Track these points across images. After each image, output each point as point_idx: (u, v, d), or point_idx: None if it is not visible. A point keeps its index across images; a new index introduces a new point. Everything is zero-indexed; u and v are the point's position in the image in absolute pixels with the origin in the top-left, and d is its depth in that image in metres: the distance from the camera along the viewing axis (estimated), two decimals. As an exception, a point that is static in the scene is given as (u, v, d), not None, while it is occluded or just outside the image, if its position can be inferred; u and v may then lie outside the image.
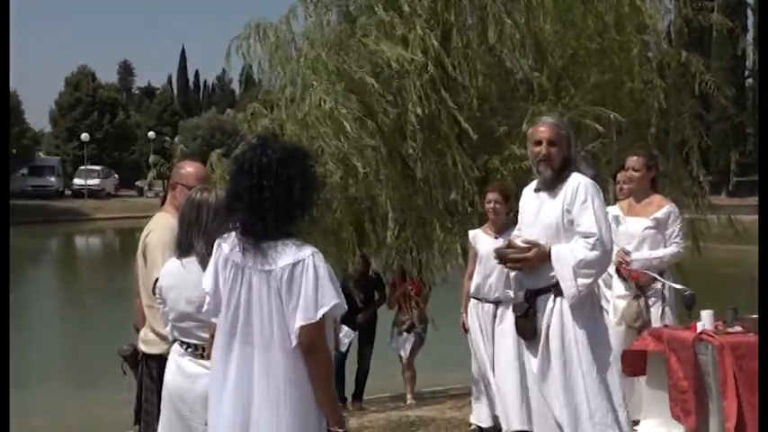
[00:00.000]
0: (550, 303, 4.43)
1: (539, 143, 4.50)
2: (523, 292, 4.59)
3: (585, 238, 4.34)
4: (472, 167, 7.30)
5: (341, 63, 7.15)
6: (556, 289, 4.42)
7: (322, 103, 7.10)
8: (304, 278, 3.10)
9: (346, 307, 3.23)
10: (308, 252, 3.15)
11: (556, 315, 4.41)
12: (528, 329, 4.50)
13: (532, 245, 4.46)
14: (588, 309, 4.44)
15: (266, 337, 3.16)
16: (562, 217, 4.41)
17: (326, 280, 3.13)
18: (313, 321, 3.09)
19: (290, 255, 3.13)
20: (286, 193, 3.12)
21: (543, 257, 4.40)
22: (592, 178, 4.50)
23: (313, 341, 3.11)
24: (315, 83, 7.27)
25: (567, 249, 4.37)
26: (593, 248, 4.33)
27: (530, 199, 4.65)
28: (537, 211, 4.55)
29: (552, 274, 4.42)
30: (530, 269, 4.49)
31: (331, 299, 3.12)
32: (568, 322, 4.37)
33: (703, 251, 8.60)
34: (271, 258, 3.14)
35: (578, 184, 4.41)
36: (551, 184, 4.49)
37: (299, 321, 3.09)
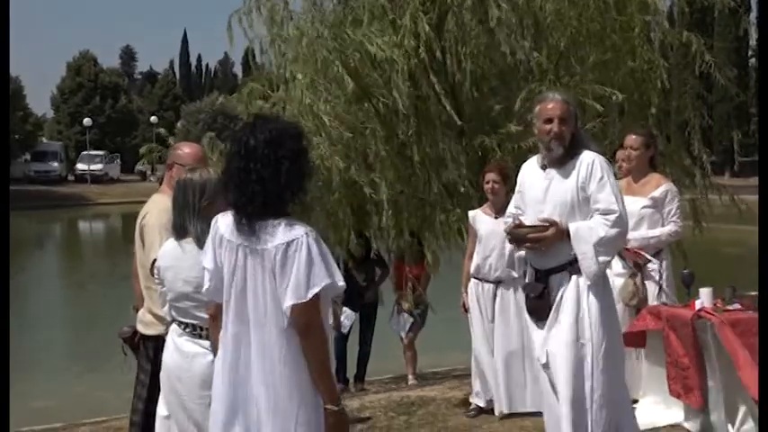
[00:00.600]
0: (565, 282, 4.37)
1: (549, 121, 4.42)
2: (533, 272, 4.53)
3: (605, 215, 4.30)
4: (466, 150, 7.29)
5: (335, 47, 7.13)
6: (572, 267, 4.37)
7: (304, 94, 7.11)
8: (297, 257, 3.10)
9: (342, 284, 3.21)
10: (301, 231, 3.14)
11: (570, 293, 4.35)
12: (543, 310, 4.43)
13: (550, 223, 4.39)
14: (601, 287, 4.41)
15: (260, 315, 3.17)
16: (577, 194, 4.35)
17: (319, 260, 3.13)
18: (303, 301, 3.09)
19: (283, 234, 3.13)
20: (273, 174, 3.12)
21: (561, 236, 4.34)
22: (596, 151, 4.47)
23: (307, 321, 3.12)
24: (300, 75, 7.26)
25: (586, 227, 4.32)
26: (613, 225, 4.29)
27: (536, 176, 4.55)
28: (546, 189, 4.47)
29: (566, 252, 4.36)
30: (546, 248, 4.41)
31: (323, 279, 3.12)
32: (584, 300, 4.33)
33: (706, 231, 8.60)
34: (264, 238, 3.14)
35: (592, 160, 4.35)
36: (561, 162, 4.42)
37: (289, 300, 3.10)
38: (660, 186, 6.12)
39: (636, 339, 5.85)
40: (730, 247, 20.88)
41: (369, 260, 8.53)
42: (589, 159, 4.36)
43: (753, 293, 5.33)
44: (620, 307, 6.12)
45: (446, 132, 7.11)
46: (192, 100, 72.39)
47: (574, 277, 4.37)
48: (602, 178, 4.31)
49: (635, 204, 6.12)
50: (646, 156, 6.17)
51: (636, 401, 6.15)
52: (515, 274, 6.38)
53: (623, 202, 4.39)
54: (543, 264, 4.44)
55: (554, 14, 7.62)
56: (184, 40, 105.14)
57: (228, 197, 3.22)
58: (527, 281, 4.62)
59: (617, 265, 6.19)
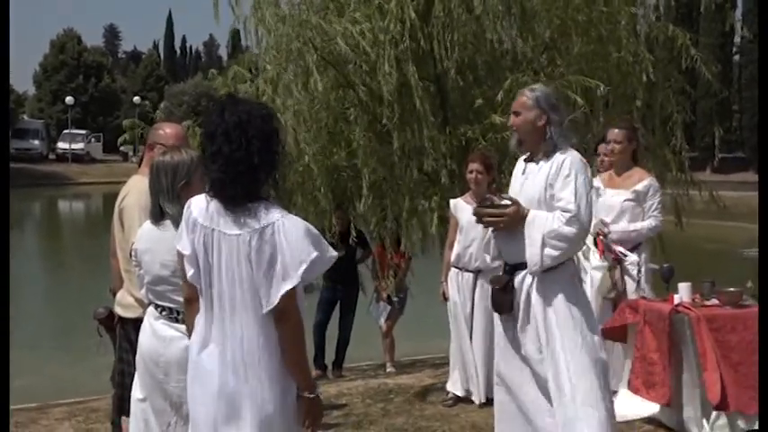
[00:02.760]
0: (529, 279, 4.31)
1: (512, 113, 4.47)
2: (502, 264, 4.50)
3: (564, 212, 4.24)
4: (449, 139, 7.26)
5: (318, 33, 7.06)
6: None
7: (282, 79, 7.06)
8: (278, 240, 3.06)
9: (333, 253, 3.16)
10: (276, 216, 3.09)
11: (537, 291, 4.29)
12: (505, 304, 4.37)
13: (513, 203, 4.36)
14: (570, 286, 4.32)
15: (237, 301, 3.13)
16: (545, 191, 4.32)
17: (301, 238, 3.07)
18: (296, 283, 3.05)
19: (260, 218, 3.08)
20: (246, 157, 3.06)
21: (521, 218, 4.29)
22: (572, 146, 4.40)
23: (285, 306, 3.08)
24: (278, 59, 7.21)
25: (543, 216, 4.27)
26: (567, 223, 4.21)
27: (519, 170, 4.57)
28: (522, 184, 4.48)
29: None
30: (506, 229, 4.36)
31: (308, 254, 3.06)
32: (549, 299, 4.26)
33: (685, 226, 8.62)
34: (238, 223, 3.09)
35: (563, 159, 4.29)
36: (538, 158, 4.39)
37: (281, 287, 3.04)
38: (643, 180, 6.14)
39: (616, 334, 5.87)
40: (709, 243, 21.00)
41: (348, 236, 8.34)
42: (561, 158, 4.31)
43: (731, 289, 5.36)
44: (598, 300, 6.17)
45: (429, 121, 7.07)
46: (176, 81, 71.97)
47: (541, 277, 4.28)
48: (567, 176, 4.25)
49: (617, 197, 6.14)
50: (628, 149, 6.19)
51: (614, 393, 6.19)
52: (495, 264, 6.40)
53: (588, 205, 4.28)
54: (513, 257, 4.38)
55: (541, 4, 7.60)
56: (169, 21, 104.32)
57: (207, 179, 3.18)
58: (493, 274, 4.62)
59: (595, 258, 6.22)
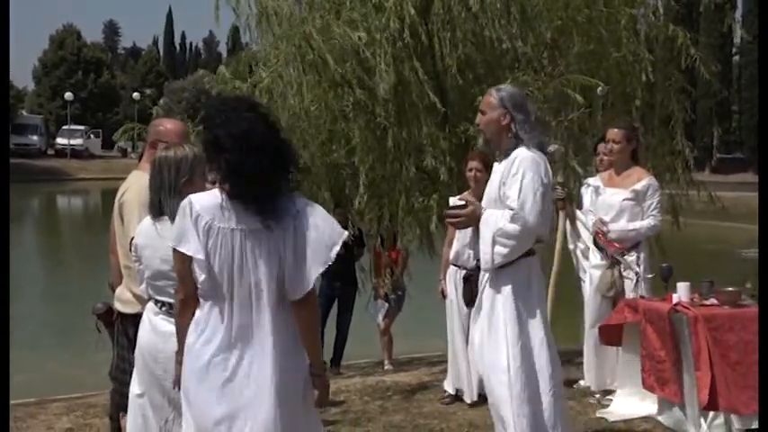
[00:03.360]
0: (486, 274, 4.44)
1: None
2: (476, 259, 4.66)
3: (510, 210, 4.32)
4: (449, 137, 7.27)
5: (318, 31, 7.05)
6: None
7: (283, 78, 7.07)
8: (308, 226, 3.14)
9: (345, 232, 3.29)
10: (303, 204, 3.21)
11: (487, 288, 4.42)
12: (467, 295, 4.70)
13: (470, 203, 4.55)
14: (522, 285, 4.39)
15: (261, 297, 3.16)
16: (499, 189, 4.43)
17: (328, 220, 3.21)
18: (330, 263, 3.17)
19: (289, 210, 3.15)
20: (280, 151, 3.16)
21: (476, 217, 4.42)
22: (538, 147, 4.43)
23: (313, 288, 3.20)
24: (277, 58, 7.21)
25: (494, 215, 4.37)
26: (512, 221, 4.30)
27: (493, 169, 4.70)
28: (490, 182, 4.63)
29: None
30: (465, 228, 4.62)
31: (339, 235, 3.19)
32: (497, 297, 4.37)
33: (684, 226, 8.63)
34: (268, 217, 3.13)
35: (516, 157, 4.36)
36: (501, 158, 4.49)
37: (316, 269, 3.14)
38: (642, 180, 6.14)
39: (612, 335, 5.88)
40: (708, 243, 21.00)
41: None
42: (515, 156, 4.37)
43: (730, 289, 5.37)
44: (597, 298, 6.19)
45: (428, 118, 7.07)
46: (175, 78, 71.95)
47: (495, 273, 4.38)
48: (515, 174, 4.32)
49: (616, 196, 6.15)
50: (627, 149, 6.19)
51: (611, 392, 6.20)
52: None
53: (535, 202, 4.29)
54: (478, 254, 4.51)
55: (541, 4, 7.60)
56: (169, 17, 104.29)
57: (226, 182, 3.16)
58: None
59: (595, 257, 6.23)
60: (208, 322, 3.23)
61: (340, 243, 3.18)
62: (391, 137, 7.09)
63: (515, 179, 4.31)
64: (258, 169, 3.09)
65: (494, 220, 4.34)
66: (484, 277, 4.46)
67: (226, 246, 3.15)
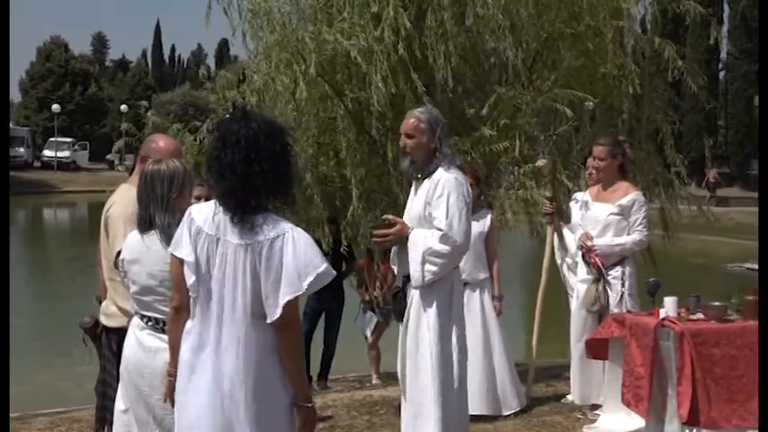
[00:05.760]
0: (412, 291, 4.65)
1: (402, 134, 4.73)
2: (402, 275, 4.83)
3: (438, 230, 4.52)
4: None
5: (311, 41, 7.04)
6: None
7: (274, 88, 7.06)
8: (284, 252, 3.08)
9: (334, 272, 3.23)
10: (287, 226, 3.14)
11: (415, 303, 4.63)
12: (396, 312, 4.81)
13: (398, 222, 4.70)
14: (444, 298, 4.62)
15: (236, 310, 3.13)
16: (424, 209, 4.61)
17: (308, 250, 3.12)
18: (299, 293, 3.10)
19: (270, 229, 3.11)
20: (273, 168, 3.11)
21: (404, 236, 4.61)
22: (457, 167, 4.66)
23: (290, 315, 3.11)
24: (269, 68, 7.20)
25: (422, 235, 4.58)
26: (440, 240, 4.49)
27: (413, 188, 4.87)
28: (412, 200, 4.80)
29: None
30: (393, 246, 4.73)
31: (315, 267, 3.11)
32: (423, 311, 4.59)
33: (672, 240, 8.66)
34: (248, 232, 3.11)
35: (439, 179, 4.56)
36: (422, 177, 4.68)
37: (285, 296, 3.07)
38: (628, 195, 6.14)
39: (598, 350, 5.87)
40: (695, 257, 21.07)
41: (337, 252, 8.38)
42: (438, 177, 4.59)
43: (716, 304, 5.38)
44: (582, 313, 6.18)
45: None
46: (163, 90, 71.81)
47: (420, 289, 4.60)
48: (440, 196, 4.54)
49: (602, 211, 6.15)
50: (613, 164, 6.19)
51: (598, 407, 6.19)
52: (482, 276, 6.42)
53: (462, 222, 4.54)
54: (406, 270, 4.69)
55: (528, 18, 7.62)
56: (157, 30, 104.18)
57: (217, 190, 3.17)
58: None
59: (581, 271, 6.23)
60: (193, 330, 3.22)
61: (314, 276, 3.09)
62: (384, 149, 7.08)
63: (440, 201, 4.53)
64: (245, 178, 3.07)
65: (422, 239, 4.56)
66: (412, 292, 4.66)
67: (211, 253, 3.15)
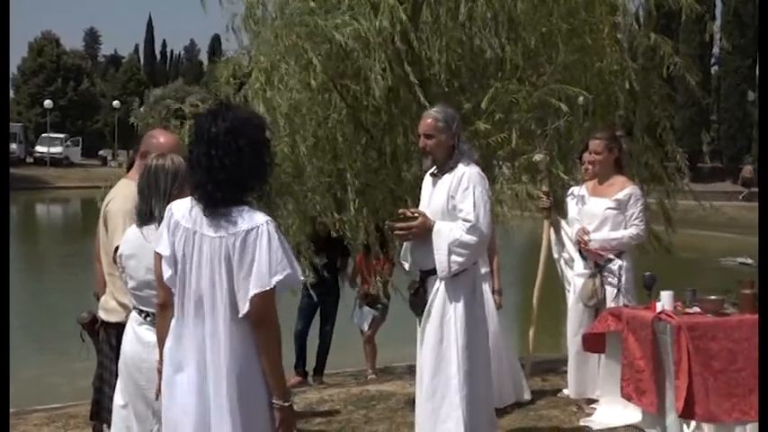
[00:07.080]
0: (437, 284, 4.70)
1: (419, 136, 4.86)
2: (417, 271, 4.88)
3: (465, 222, 4.62)
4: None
5: (306, 34, 7.00)
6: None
7: (268, 82, 7.01)
8: (258, 245, 3.07)
9: (301, 278, 3.25)
10: (261, 220, 3.11)
11: (440, 295, 4.68)
12: (417, 306, 4.81)
13: (419, 214, 4.76)
14: (470, 290, 4.72)
15: (214, 305, 3.12)
16: (447, 203, 4.71)
17: (280, 248, 3.10)
18: (267, 289, 3.06)
19: (244, 222, 3.10)
20: (236, 163, 3.09)
21: (427, 228, 4.68)
22: (476, 163, 4.81)
23: (264, 311, 3.08)
24: (263, 61, 7.15)
25: (447, 227, 4.66)
26: (468, 231, 4.60)
27: (427, 184, 4.96)
28: (430, 196, 4.88)
29: None
30: (415, 239, 4.78)
31: (285, 267, 3.09)
32: (451, 304, 4.66)
33: (665, 235, 8.66)
34: (223, 225, 3.10)
35: (463, 173, 4.69)
36: (442, 172, 4.79)
37: (252, 290, 3.05)
38: (625, 189, 6.15)
39: (595, 343, 5.88)
40: (688, 251, 21.09)
41: (330, 243, 8.33)
42: (461, 172, 4.71)
43: (713, 297, 5.40)
44: (579, 307, 6.19)
45: (416, 125, 7.05)
46: (156, 86, 71.59)
47: (445, 281, 4.67)
48: (466, 189, 4.66)
49: (599, 205, 6.16)
50: (609, 158, 6.21)
51: (594, 401, 6.21)
52: (483, 270, 6.41)
53: (487, 214, 4.69)
54: (423, 264, 4.78)
55: (524, 14, 7.61)
56: (149, 25, 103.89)
57: (191, 181, 3.20)
58: (411, 279, 5.00)
59: (578, 266, 6.25)
60: (177, 328, 3.21)
61: (283, 276, 3.07)
62: (381, 143, 7.06)
63: (467, 194, 4.65)
64: (219, 171, 3.08)
65: (447, 231, 4.65)
66: (436, 284, 4.70)
67: (187, 246, 3.15)
